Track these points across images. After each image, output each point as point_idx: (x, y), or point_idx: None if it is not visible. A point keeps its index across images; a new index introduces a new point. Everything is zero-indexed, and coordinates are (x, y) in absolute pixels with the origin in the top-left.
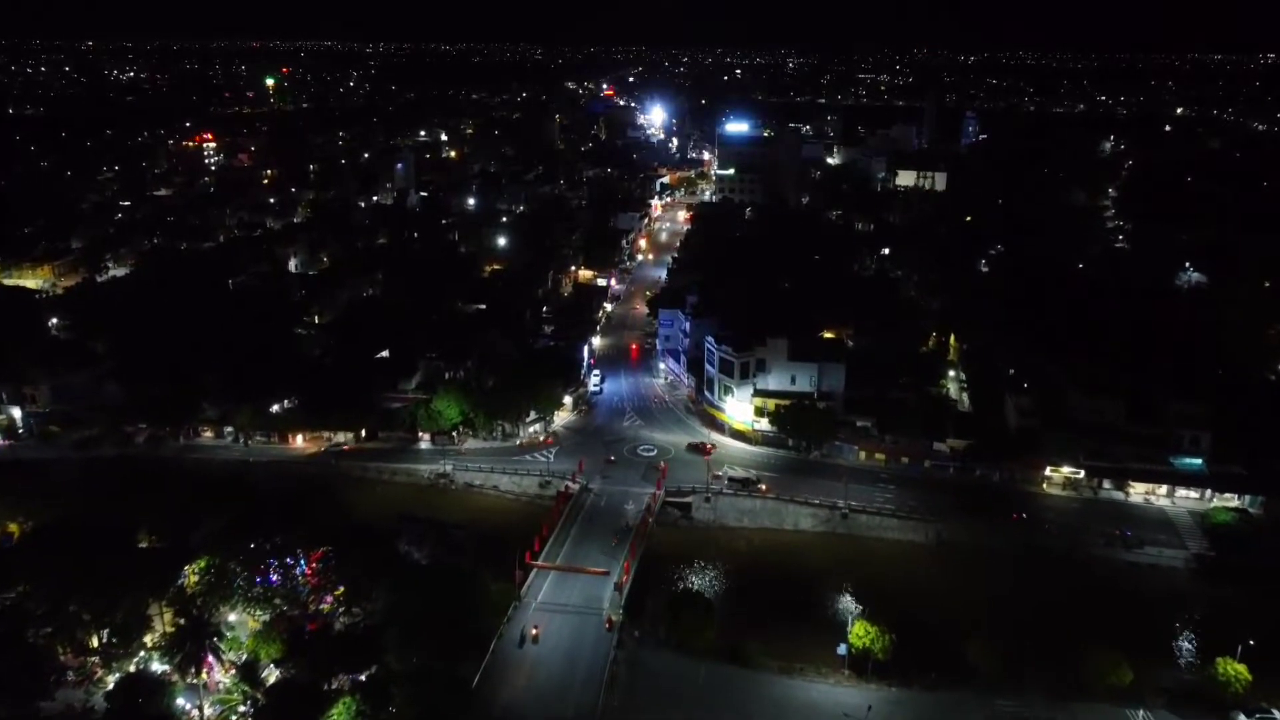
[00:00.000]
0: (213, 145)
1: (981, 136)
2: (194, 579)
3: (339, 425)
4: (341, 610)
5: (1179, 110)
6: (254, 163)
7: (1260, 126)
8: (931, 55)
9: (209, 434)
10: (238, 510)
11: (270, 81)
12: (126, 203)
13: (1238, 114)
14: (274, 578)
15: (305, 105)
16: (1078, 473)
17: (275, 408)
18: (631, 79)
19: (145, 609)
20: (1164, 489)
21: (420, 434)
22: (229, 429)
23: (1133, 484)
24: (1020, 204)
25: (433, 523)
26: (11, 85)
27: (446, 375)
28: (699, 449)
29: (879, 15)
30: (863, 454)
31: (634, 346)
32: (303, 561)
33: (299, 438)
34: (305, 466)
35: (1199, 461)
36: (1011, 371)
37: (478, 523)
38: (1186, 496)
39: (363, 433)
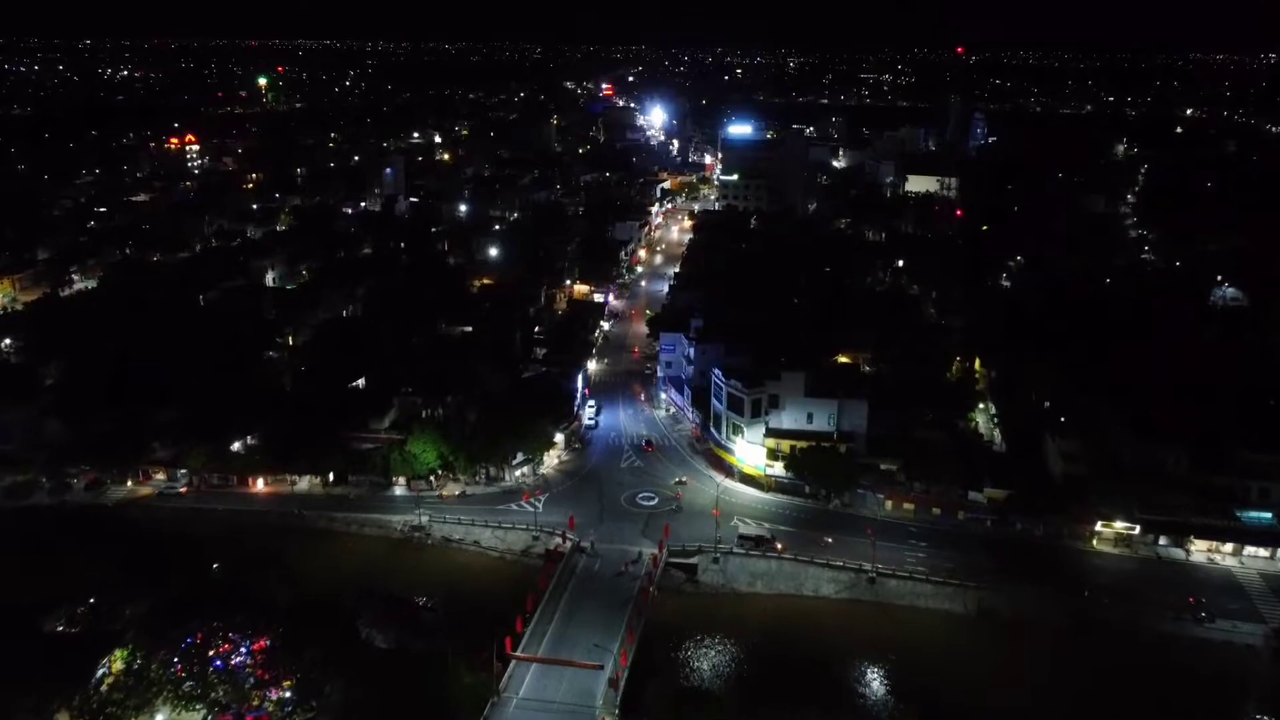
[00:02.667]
0: (196, 148)
1: (991, 138)
2: (111, 680)
3: (304, 468)
4: (290, 710)
5: (1188, 111)
6: (239, 166)
7: (1274, 129)
8: (932, 54)
9: (160, 476)
10: (176, 583)
11: (263, 81)
12: (102, 209)
13: (1248, 115)
14: (215, 661)
15: (299, 105)
16: (1132, 528)
17: (236, 445)
18: (631, 78)
19: (50, 718)
20: (1229, 547)
21: (394, 478)
22: (182, 471)
23: (1194, 541)
24: (1039, 211)
25: (396, 600)
26: (2, 84)
27: (424, 413)
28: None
29: (877, 15)
30: (889, 504)
31: (634, 384)
32: (247, 644)
33: (259, 482)
34: (264, 516)
35: (1269, 515)
36: (1047, 404)
37: (455, 587)
38: (1256, 556)
39: (330, 476)
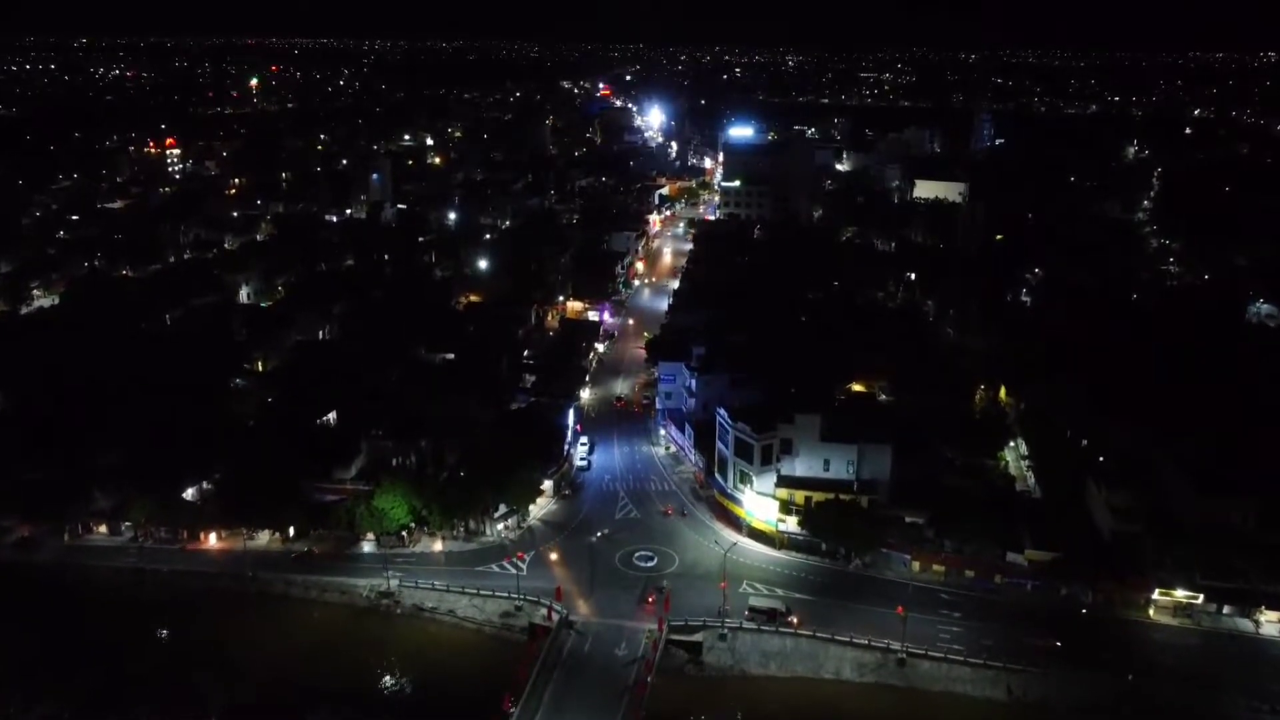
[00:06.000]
0: (177, 152)
1: (998, 140)
2: None
3: (262, 522)
4: None
5: (1195, 111)
6: (222, 170)
7: None
8: (932, 53)
9: (103, 530)
10: (95, 677)
11: (254, 81)
12: (75, 216)
13: (1256, 115)
14: None
15: (290, 105)
16: (1195, 596)
17: (190, 493)
18: (629, 78)
19: None
20: None
21: (362, 534)
22: (126, 524)
23: (1265, 612)
24: (1055, 218)
25: (351, 699)
26: None
27: (395, 460)
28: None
29: (875, 14)
30: (916, 565)
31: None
32: None
33: (211, 537)
34: (215, 580)
35: None
36: (1084, 442)
37: (425, 668)
38: None
39: (291, 531)
